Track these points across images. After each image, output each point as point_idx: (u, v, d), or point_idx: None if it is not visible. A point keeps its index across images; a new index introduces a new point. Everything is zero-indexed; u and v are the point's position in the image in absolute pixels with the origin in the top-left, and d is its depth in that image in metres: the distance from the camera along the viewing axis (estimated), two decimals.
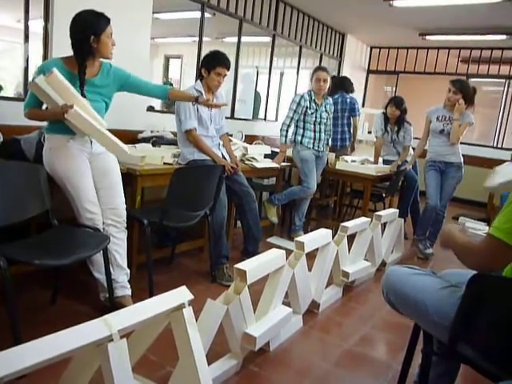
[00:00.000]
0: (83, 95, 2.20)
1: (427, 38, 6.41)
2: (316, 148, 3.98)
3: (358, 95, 7.76)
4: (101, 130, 2.20)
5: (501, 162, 5.94)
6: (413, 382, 1.86)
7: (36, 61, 3.30)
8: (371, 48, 7.83)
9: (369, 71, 7.95)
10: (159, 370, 1.89)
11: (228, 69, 3.09)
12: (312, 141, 3.95)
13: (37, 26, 3.18)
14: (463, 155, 4.03)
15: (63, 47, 2.28)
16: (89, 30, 2.17)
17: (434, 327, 1.49)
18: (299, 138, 3.96)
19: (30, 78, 3.16)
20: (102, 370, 1.26)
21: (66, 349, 1.13)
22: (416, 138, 4.51)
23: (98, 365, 1.37)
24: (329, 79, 3.88)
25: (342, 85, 4.89)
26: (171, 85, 6.46)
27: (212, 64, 3.04)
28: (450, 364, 1.75)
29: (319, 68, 3.97)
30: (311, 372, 2.06)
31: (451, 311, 1.37)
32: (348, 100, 4.75)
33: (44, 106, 2.23)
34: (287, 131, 3.92)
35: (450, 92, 3.85)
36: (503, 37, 5.89)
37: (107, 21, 2.23)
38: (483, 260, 1.31)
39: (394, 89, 7.81)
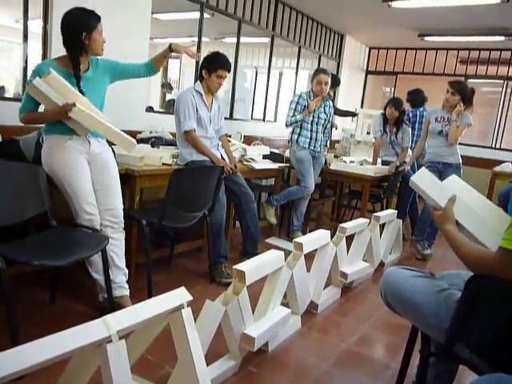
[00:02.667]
0: (81, 92, 2.22)
1: (426, 38, 6.42)
2: (312, 148, 3.98)
3: (356, 96, 7.81)
4: (106, 124, 2.22)
5: (499, 162, 5.98)
6: (411, 383, 1.87)
7: (35, 61, 3.29)
8: (370, 49, 7.84)
9: (367, 72, 7.96)
10: (158, 371, 1.89)
11: (229, 71, 3.10)
12: (308, 140, 3.96)
13: (36, 26, 3.18)
14: (462, 156, 4.04)
15: (62, 47, 2.29)
16: (80, 27, 2.18)
17: (430, 329, 1.50)
18: (296, 136, 3.97)
19: (29, 78, 3.16)
20: (101, 371, 1.27)
21: (65, 349, 1.14)
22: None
23: (97, 365, 1.37)
24: (329, 81, 3.89)
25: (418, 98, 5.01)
26: (171, 87, 6.45)
27: (213, 66, 3.04)
28: (447, 364, 1.76)
29: (320, 70, 3.93)
30: (309, 372, 2.06)
31: (448, 314, 1.38)
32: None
33: (41, 108, 2.24)
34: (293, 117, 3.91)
35: (448, 93, 3.86)
36: (501, 38, 5.91)
37: (98, 18, 2.24)
38: (496, 273, 1.28)
39: (393, 89, 7.83)
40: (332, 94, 5.20)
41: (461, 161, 4.00)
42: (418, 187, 1.66)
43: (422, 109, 5.00)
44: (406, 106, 5.50)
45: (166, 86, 6.51)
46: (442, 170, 4.00)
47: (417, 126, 4.93)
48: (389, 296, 1.64)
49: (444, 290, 1.49)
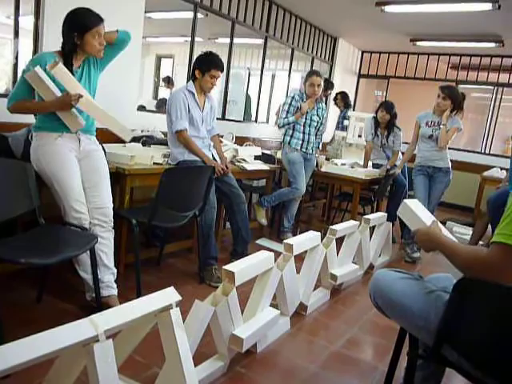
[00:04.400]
0: None
1: (418, 43, 6.47)
2: (304, 150, 3.99)
3: None
4: (109, 115, 2.27)
5: (488, 167, 6.05)
6: None
7: (25, 57, 3.26)
8: (362, 52, 7.88)
9: (360, 75, 8.00)
10: (145, 371, 1.88)
11: (222, 71, 3.09)
12: (300, 142, 3.97)
13: (27, 22, 3.15)
14: (451, 160, 4.07)
15: (53, 44, 2.28)
16: (73, 27, 2.19)
17: (419, 331, 1.50)
18: (288, 138, 3.98)
19: (19, 74, 3.13)
20: (88, 371, 1.25)
21: (51, 349, 1.12)
22: (405, 143, 4.56)
23: (83, 365, 1.36)
24: (322, 83, 3.90)
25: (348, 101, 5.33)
26: (172, 82, 6.42)
27: (207, 66, 3.03)
28: (435, 367, 1.76)
29: (313, 72, 3.94)
30: (298, 374, 2.06)
31: (437, 316, 1.39)
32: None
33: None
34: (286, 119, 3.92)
35: (440, 97, 3.89)
36: (492, 44, 5.97)
37: (97, 20, 2.22)
38: (493, 269, 1.23)
39: (385, 93, 7.87)
40: (324, 97, 5.23)
41: (450, 165, 4.04)
42: (409, 209, 1.79)
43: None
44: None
45: (167, 81, 6.47)
46: (431, 174, 4.04)
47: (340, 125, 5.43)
48: (378, 298, 1.64)
49: (433, 291, 1.50)
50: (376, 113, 4.58)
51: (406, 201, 1.81)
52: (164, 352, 1.49)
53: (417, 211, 1.72)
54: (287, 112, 3.91)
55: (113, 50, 2.42)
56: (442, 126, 3.89)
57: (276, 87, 6.58)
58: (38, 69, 2.08)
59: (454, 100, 3.86)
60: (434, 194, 4.03)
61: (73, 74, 2.23)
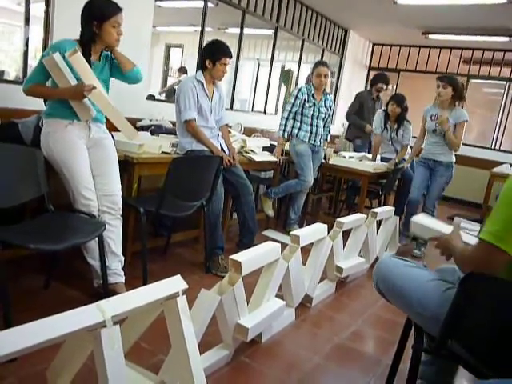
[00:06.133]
0: None
1: (430, 36, 6.40)
2: (312, 142, 3.97)
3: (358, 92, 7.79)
4: (118, 111, 2.26)
5: (498, 163, 5.99)
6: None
7: (36, 44, 3.27)
8: (373, 45, 7.81)
9: (370, 68, 7.94)
10: (151, 358, 1.90)
11: (231, 57, 3.11)
12: (308, 134, 3.95)
13: (38, 9, 3.15)
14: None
15: (64, 31, 2.28)
16: (92, 16, 2.19)
17: (417, 318, 1.52)
18: (296, 130, 3.96)
19: (29, 62, 3.14)
20: (94, 356, 1.26)
21: (58, 333, 1.13)
22: (415, 137, 4.53)
23: (89, 351, 1.37)
24: (329, 74, 3.87)
25: None
26: (185, 70, 6.42)
27: (217, 55, 3.03)
28: (447, 361, 1.76)
29: (320, 63, 3.92)
30: (301, 365, 2.07)
31: (434, 303, 1.41)
32: None
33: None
34: (286, 125, 3.92)
35: (440, 87, 3.80)
36: (505, 39, 5.89)
37: (116, 9, 2.22)
38: (478, 266, 1.29)
39: (395, 87, 7.80)
40: (376, 92, 5.19)
41: (453, 160, 3.96)
42: (420, 225, 1.79)
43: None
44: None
45: (182, 71, 6.50)
46: (432, 167, 4.00)
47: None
48: (380, 283, 1.67)
49: (435, 279, 1.52)
50: (386, 106, 4.55)
51: (413, 219, 1.83)
52: (170, 339, 1.50)
53: (430, 225, 1.74)
54: (293, 105, 3.89)
55: (119, 75, 2.43)
56: (447, 132, 3.78)
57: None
58: (56, 55, 2.08)
59: (455, 86, 3.75)
60: (433, 188, 3.99)
61: (90, 64, 2.22)
